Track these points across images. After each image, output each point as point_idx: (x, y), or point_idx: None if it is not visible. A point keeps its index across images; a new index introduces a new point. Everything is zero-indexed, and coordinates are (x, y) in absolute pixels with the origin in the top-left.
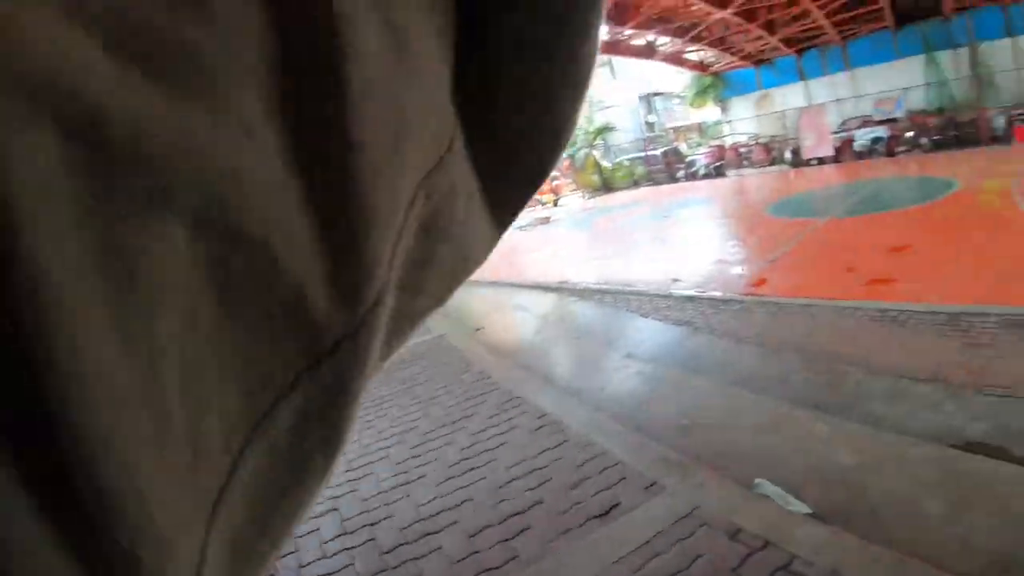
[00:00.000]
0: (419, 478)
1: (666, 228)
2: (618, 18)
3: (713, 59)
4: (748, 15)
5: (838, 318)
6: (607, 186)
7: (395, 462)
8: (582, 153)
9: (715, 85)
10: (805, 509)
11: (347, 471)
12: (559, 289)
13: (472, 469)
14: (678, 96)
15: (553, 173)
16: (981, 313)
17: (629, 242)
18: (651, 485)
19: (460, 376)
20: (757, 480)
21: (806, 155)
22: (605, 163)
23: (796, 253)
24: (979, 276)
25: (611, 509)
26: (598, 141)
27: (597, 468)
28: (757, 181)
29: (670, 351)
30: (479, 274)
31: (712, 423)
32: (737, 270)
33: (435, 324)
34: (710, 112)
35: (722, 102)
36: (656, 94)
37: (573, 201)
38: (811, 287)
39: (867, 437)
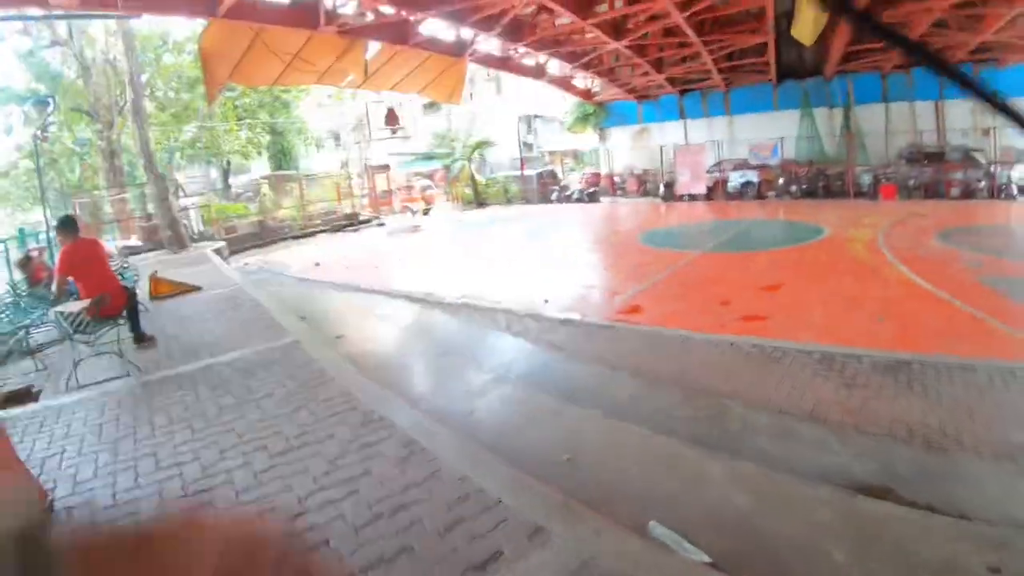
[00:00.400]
0: (268, 511)
1: (538, 247)
2: (513, 35)
3: (599, 88)
4: (640, 50)
5: (715, 351)
6: (480, 200)
7: (239, 488)
8: (458, 165)
9: (597, 114)
10: (704, 557)
11: (180, 496)
12: (426, 301)
13: (329, 503)
14: (559, 120)
15: (426, 182)
16: (854, 355)
17: (500, 258)
18: (536, 531)
19: (316, 389)
20: (651, 523)
21: (680, 190)
22: (479, 177)
23: (670, 283)
24: (850, 318)
25: (492, 559)
26: (475, 155)
27: (474, 509)
28: (629, 210)
29: (542, 375)
30: (343, 277)
31: (596, 459)
32: (609, 295)
33: (289, 326)
34: (586, 139)
35: (602, 131)
36: (537, 116)
37: (444, 212)
38: (686, 318)
39: (759, 477)
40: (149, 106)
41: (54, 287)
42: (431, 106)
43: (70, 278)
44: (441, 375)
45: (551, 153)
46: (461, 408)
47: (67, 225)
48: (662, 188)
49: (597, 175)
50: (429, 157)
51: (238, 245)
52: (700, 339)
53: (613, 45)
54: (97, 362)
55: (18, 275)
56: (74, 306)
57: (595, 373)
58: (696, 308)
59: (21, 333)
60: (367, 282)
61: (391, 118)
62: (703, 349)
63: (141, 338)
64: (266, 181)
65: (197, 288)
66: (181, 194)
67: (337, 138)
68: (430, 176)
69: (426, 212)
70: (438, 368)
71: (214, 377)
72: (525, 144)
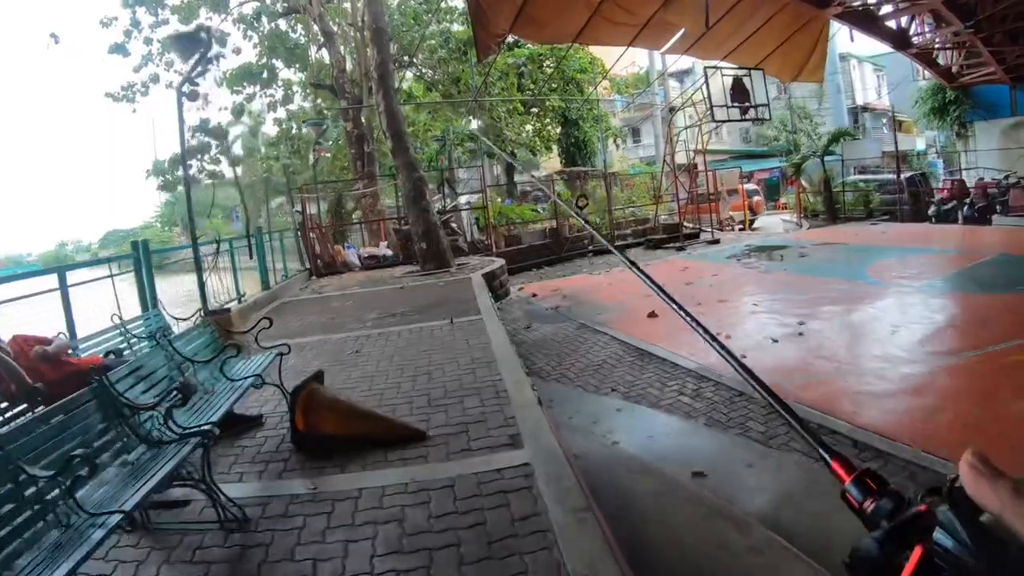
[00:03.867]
0: None
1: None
2: None
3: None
4: None
5: None
6: (833, 213)
7: None
8: (812, 164)
9: (959, 102)
10: None
11: None
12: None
13: None
14: (889, 114)
15: (751, 186)
16: None
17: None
18: None
19: None
20: None
21: None
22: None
23: None
24: None
25: None
26: (832, 150)
27: None
28: None
29: None
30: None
31: None
32: None
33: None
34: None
35: (963, 125)
36: (865, 108)
37: (777, 226)
38: None
39: None
40: (407, 80)
41: None
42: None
43: None
44: None
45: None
46: None
47: None
48: None
49: (961, 183)
50: (747, 155)
51: (521, 260)
52: None
53: None
54: None
55: None
56: None
57: None
58: None
59: None
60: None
61: (738, 93)
62: None
63: None
64: (561, 177)
65: (420, 434)
66: (445, 191)
67: (635, 132)
68: (748, 179)
69: (750, 224)
70: None
71: None
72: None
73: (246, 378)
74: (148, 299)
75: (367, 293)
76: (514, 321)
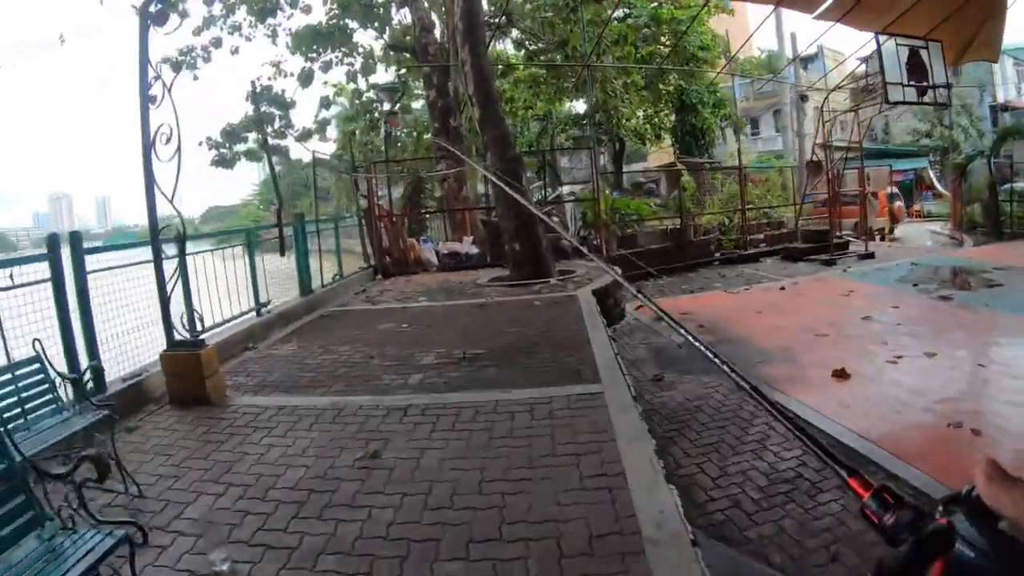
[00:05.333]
0: None
1: None
2: None
3: None
4: None
5: None
6: (997, 226)
7: None
8: (978, 164)
9: None
10: None
11: None
12: None
13: None
14: None
15: (892, 189)
16: None
17: None
18: None
19: None
20: None
21: None
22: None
23: None
24: None
25: None
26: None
27: None
28: None
29: None
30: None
31: None
32: None
33: None
34: None
35: None
36: (1005, 108)
37: (919, 236)
38: None
39: None
40: (506, 45)
41: None
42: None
43: None
44: None
45: None
46: None
47: None
48: None
49: None
50: (880, 153)
51: (635, 267)
52: None
53: None
54: None
55: None
56: None
57: None
58: None
59: None
60: None
61: (914, 69)
62: None
63: None
64: (682, 168)
65: None
66: (546, 179)
67: (754, 123)
68: (888, 180)
69: (890, 232)
70: None
71: None
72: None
73: None
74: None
75: (435, 310)
76: (636, 364)
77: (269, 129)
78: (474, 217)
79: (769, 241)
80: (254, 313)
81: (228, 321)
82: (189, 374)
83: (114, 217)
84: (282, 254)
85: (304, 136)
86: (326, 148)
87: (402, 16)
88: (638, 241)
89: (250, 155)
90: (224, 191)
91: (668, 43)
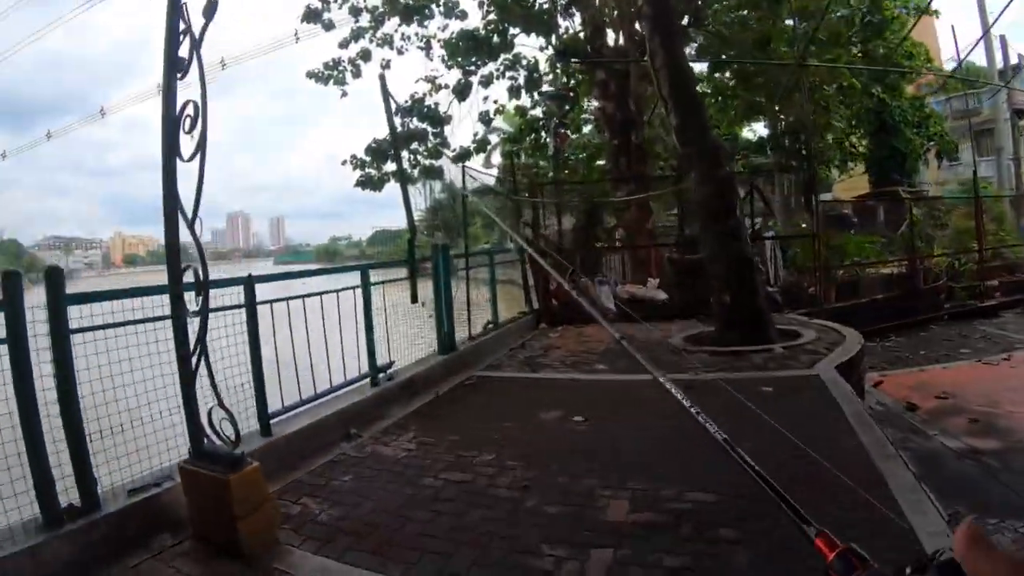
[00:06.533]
0: None
1: None
2: None
3: None
4: None
5: None
6: None
7: None
8: None
9: None
10: None
11: None
12: None
13: None
14: None
15: None
16: None
17: None
18: None
19: None
20: None
21: None
22: None
23: None
24: None
25: None
26: None
27: None
28: None
29: None
30: None
31: None
32: None
33: None
34: None
35: None
36: None
37: None
38: None
39: None
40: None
41: None
42: None
43: None
44: None
45: None
46: None
47: None
48: None
49: None
50: None
51: (857, 322)
52: None
53: None
54: None
55: None
56: None
57: None
58: None
59: None
60: None
61: None
62: None
63: None
64: (906, 196)
65: None
66: (753, 206)
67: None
68: None
69: None
70: None
71: None
72: None
73: None
74: None
75: (618, 389)
76: (903, 491)
77: (421, 147)
78: (660, 255)
79: (1004, 290)
80: (370, 379)
81: (323, 396)
82: (213, 506)
83: (286, 234)
84: (413, 300)
85: (461, 157)
86: (488, 173)
87: (570, 23)
88: (859, 290)
89: (398, 176)
90: (396, 215)
91: (880, 46)
